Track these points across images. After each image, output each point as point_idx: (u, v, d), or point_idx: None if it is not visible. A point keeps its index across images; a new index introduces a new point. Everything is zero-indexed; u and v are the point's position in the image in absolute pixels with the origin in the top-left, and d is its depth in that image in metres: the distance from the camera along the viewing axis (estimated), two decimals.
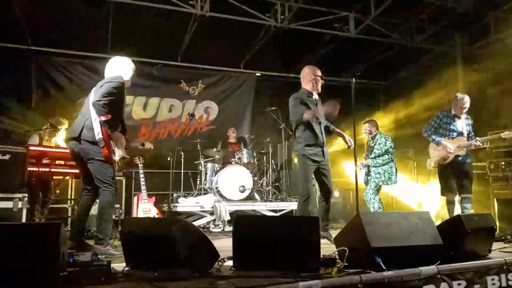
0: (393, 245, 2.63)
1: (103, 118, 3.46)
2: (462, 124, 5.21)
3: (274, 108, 6.58)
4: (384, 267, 2.45)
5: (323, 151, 4.27)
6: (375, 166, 5.86)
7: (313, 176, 4.35)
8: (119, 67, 3.79)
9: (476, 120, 7.24)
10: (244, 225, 2.71)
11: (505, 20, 6.83)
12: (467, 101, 5.12)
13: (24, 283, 1.96)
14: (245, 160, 6.77)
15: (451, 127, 5.18)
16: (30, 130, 5.91)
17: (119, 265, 2.63)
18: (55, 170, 5.24)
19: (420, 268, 2.44)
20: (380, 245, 2.58)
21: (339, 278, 2.28)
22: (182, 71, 8.45)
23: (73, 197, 6.40)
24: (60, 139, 5.74)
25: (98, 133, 3.51)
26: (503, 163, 6.21)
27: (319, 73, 4.42)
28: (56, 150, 5.29)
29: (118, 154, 3.71)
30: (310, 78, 4.39)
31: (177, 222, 2.46)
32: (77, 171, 5.32)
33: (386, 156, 5.83)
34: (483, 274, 2.60)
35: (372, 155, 5.91)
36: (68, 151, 5.09)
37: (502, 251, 3.33)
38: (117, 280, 2.34)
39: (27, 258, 1.98)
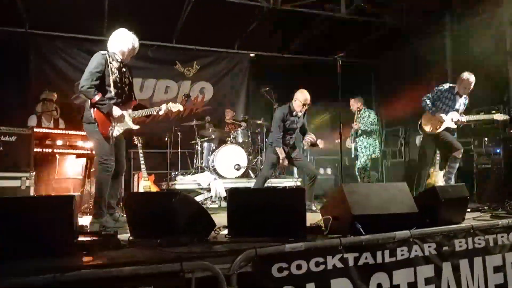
0: (373, 213, 2.91)
1: (95, 100, 3.64)
2: (461, 102, 5.51)
3: (267, 88, 6.78)
4: (363, 233, 2.73)
5: (288, 149, 5.17)
6: (361, 141, 6.18)
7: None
8: (109, 41, 3.90)
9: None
10: (237, 197, 2.98)
11: (492, 1, 6.99)
12: (472, 81, 5.34)
13: (43, 249, 2.22)
14: (240, 140, 7.02)
15: (450, 102, 5.46)
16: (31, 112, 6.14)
17: (124, 236, 2.91)
18: (58, 150, 5.47)
19: (394, 232, 2.72)
20: (360, 213, 2.85)
21: (321, 241, 2.56)
22: (177, 53, 8.60)
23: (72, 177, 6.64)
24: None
25: (91, 115, 3.72)
26: (486, 139, 6.49)
27: (308, 101, 5.12)
28: (56, 131, 5.51)
29: (117, 130, 3.82)
30: (299, 104, 5.09)
31: (177, 195, 2.72)
32: (78, 151, 5.60)
33: (372, 128, 6.14)
34: (451, 238, 2.89)
35: (359, 131, 6.23)
36: (66, 132, 5.45)
37: (476, 219, 3.62)
38: (124, 247, 2.62)
39: (46, 227, 2.24)
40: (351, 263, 2.55)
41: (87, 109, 3.78)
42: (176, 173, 7.01)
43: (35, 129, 5.05)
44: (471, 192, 5.51)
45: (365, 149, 6.17)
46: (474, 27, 7.43)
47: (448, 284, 2.82)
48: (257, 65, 9.21)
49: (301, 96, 5.10)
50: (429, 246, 2.80)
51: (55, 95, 6.09)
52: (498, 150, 6.30)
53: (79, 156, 5.70)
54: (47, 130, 5.32)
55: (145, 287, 1.92)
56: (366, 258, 2.59)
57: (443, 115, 5.37)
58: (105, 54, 3.77)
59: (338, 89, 4.58)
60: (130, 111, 3.98)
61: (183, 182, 6.42)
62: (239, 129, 7.19)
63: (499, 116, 5.29)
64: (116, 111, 3.77)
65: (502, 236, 3.07)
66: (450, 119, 5.38)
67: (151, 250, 2.45)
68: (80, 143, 5.58)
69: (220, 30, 8.07)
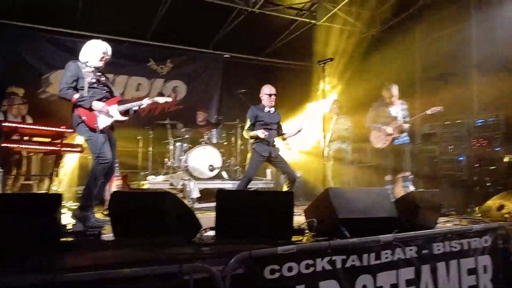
0: (357, 217, 3.00)
1: (74, 99, 3.75)
2: (396, 109, 5.70)
3: (244, 90, 6.79)
4: (348, 235, 2.81)
5: (270, 149, 5.12)
6: (335, 145, 6.33)
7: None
8: (81, 52, 4.03)
9: (429, 106, 7.82)
10: (226, 198, 2.97)
11: (459, 15, 7.36)
12: (394, 90, 5.65)
13: (29, 248, 2.13)
14: (214, 140, 6.98)
15: (385, 113, 5.69)
16: None
17: (107, 236, 2.84)
18: (25, 146, 5.23)
19: (379, 236, 2.80)
20: (345, 216, 2.93)
21: (311, 243, 2.62)
22: (151, 50, 8.44)
23: (37, 174, 6.38)
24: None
25: (77, 114, 3.82)
26: (450, 147, 6.81)
27: (273, 91, 5.23)
28: (26, 126, 5.27)
29: (105, 121, 3.87)
30: (265, 97, 5.24)
31: (165, 195, 2.69)
32: (46, 147, 5.38)
33: (344, 136, 6.31)
34: (430, 241, 3.02)
35: (332, 137, 6.37)
36: (36, 127, 5.24)
37: (446, 224, 3.82)
38: (110, 247, 2.55)
39: (32, 226, 2.15)
40: (339, 265, 2.60)
41: (73, 114, 3.85)
42: (147, 172, 6.88)
43: (4, 124, 4.80)
44: None
45: (338, 153, 6.31)
46: (443, 40, 7.79)
47: (427, 286, 2.94)
48: (232, 66, 9.20)
49: (265, 89, 5.27)
50: (410, 249, 2.90)
51: (22, 90, 5.81)
52: (461, 158, 6.63)
53: (48, 153, 5.48)
54: (14, 125, 5.06)
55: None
56: (353, 260, 2.65)
57: (387, 129, 5.58)
58: (76, 61, 3.94)
59: (324, 92, 4.75)
60: (115, 105, 4.04)
61: (155, 182, 6.31)
62: (213, 130, 7.15)
63: (432, 110, 5.52)
64: (97, 104, 3.85)
65: (475, 240, 3.24)
66: (392, 130, 5.57)
67: (140, 251, 2.40)
68: (48, 139, 5.36)
69: (196, 30, 8.01)
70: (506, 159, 5.93)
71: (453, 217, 4.45)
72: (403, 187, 5.51)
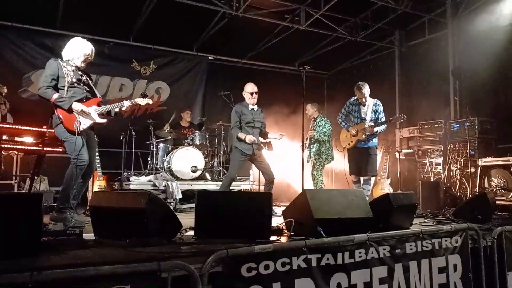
0: (332, 217, 3.09)
1: (53, 99, 3.75)
2: (366, 110, 5.61)
3: (227, 92, 6.85)
4: (324, 235, 2.90)
5: (253, 148, 5.16)
6: (315, 148, 6.43)
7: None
8: (64, 50, 4.03)
9: (408, 110, 8.02)
10: (205, 199, 3.03)
11: (437, 23, 7.59)
12: (365, 90, 5.51)
13: (9, 249, 2.15)
14: (197, 142, 7.03)
15: (357, 114, 5.67)
16: None
17: (87, 235, 2.87)
18: (5, 145, 5.18)
19: (353, 235, 2.90)
20: (321, 217, 3.02)
21: (287, 242, 2.70)
22: (134, 51, 8.46)
23: (18, 173, 6.34)
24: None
25: (57, 115, 3.83)
26: (429, 150, 7.01)
27: (255, 89, 5.31)
28: (6, 125, 5.20)
29: (84, 123, 3.88)
30: (247, 95, 5.31)
31: (146, 196, 2.74)
32: (25, 147, 5.33)
33: (325, 138, 6.41)
34: (403, 241, 3.14)
35: (313, 139, 6.48)
36: (16, 126, 5.20)
37: (421, 225, 3.94)
38: (91, 247, 2.59)
39: (12, 225, 2.18)
40: (314, 263, 2.69)
41: (53, 115, 3.86)
42: (129, 173, 6.88)
43: None
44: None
45: (318, 156, 6.41)
46: (422, 47, 8.01)
47: (399, 284, 3.05)
48: (215, 68, 9.27)
49: (247, 87, 5.35)
50: (384, 249, 3.01)
51: (5, 89, 5.76)
52: (439, 161, 6.83)
53: (28, 152, 5.44)
54: None
55: (122, 286, 1.93)
56: (328, 259, 2.74)
57: (352, 131, 5.58)
58: (57, 60, 3.92)
59: (302, 97, 4.85)
60: (95, 106, 4.01)
61: (137, 182, 6.32)
62: (196, 131, 7.20)
63: (394, 119, 5.62)
64: (76, 106, 3.83)
65: (446, 240, 3.37)
66: (356, 132, 5.55)
67: (121, 250, 2.45)
68: (29, 139, 5.33)
69: (179, 31, 8.05)
70: (480, 163, 6.13)
71: (428, 218, 4.59)
72: (364, 190, 5.48)
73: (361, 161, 5.60)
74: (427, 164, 6.95)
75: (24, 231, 2.23)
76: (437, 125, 6.99)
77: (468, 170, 6.30)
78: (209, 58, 9.14)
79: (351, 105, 5.74)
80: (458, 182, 6.43)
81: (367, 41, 8.33)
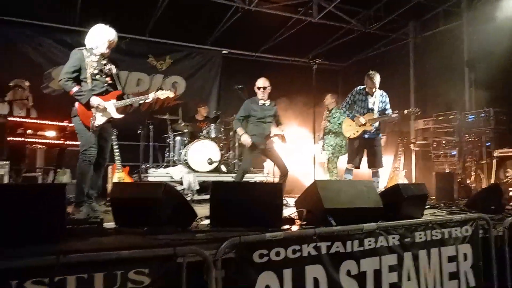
0: (342, 207, 3.18)
1: (72, 91, 3.82)
2: (374, 100, 5.49)
3: (241, 86, 6.95)
4: (334, 224, 2.99)
5: (265, 141, 5.25)
6: (329, 139, 6.48)
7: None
8: (86, 37, 4.04)
9: (422, 101, 7.99)
10: (220, 189, 3.15)
11: (452, 14, 7.51)
12: (376, 80, 5.40)
13: (37, 235, 2.31)
14: (212, 135, 7.16)
15: (363, 103, 5.52)
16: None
17: (107, 224, 3.02)
18: (29, 140, 5.42)
19: (363, 224, 2.99)
20: (332, 207, 3.11)
21: (298, 230, 2.80)
22: (150, 46, 8.62)
23: (41, 166, 6.58)
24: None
25: (75, 108, 3.92)
26: (443, 142, 6.99)
27: (266, 84, 5.32)
28: (30, 120, 5.45)
29: (99, 119, 3.93)
30: (257, 90, 5.35)
31: (162, 186, 2.87)
32: (47, 141, 5.55)
33: (339, 130, 6.46)
34: (412, 230, 3.20)
35: (327, 130, 6.53)
36: (40, 121, 5.41)
37: (433, 215, 3.99)
38: (111, 234, 2.74)
39: (39, 214, 2.33)
40: (323, 251, 2.78)
41: (73, 106, 3.94)
42: (147, 165, 7.07)
43: (10, 118, 4.99)
44: (430, 190, 5.90)
45: (332, 148, 6.48)
46: (436, 37, 7.94)
47: (409, 272, 3.12)
48: (229, 62, 9.37)
49: (258, 82, 5.38)
50: (393, 238, 3.08)
51: (28, 83, 5.98)
52: (453, 153, 6.82)
53: (51, 146, 5.67)
54: (20, 119, 5.25)
55: (141, 269, 2.07)
56: (337, 247, 2.83)
57: (360, 119, 5.42)
58: (81, 49, 3.95)
59: (313, 91, 4.89)
60: (114, 100, 4.03)
61: (155, 174, 6.50)
62: (212, 124, 7.33)
63: (409, 112, 5.37)
64: (94, 100, 3.88)
65: (456, 230, 3.41)
66: (365, 123, 5.40)
67: (139, 237, 2.59)
68: (52, 133, 5.55)
69: (194, 26, 8.18)
70: (496, 154, 6.10)
71: (441, 209, 4.63)
72: (374, 183, 5.40)
73: (368, 153, 5.50)
74: (442, 155, 6.94)
75: (50, 219, 2.38)
76: (451, 116, 6.96)
77: (483, 161, 6.28)
78: (223, 52, 9.23)
79: (357, 94, 5.58)
80: (473, 173, 6.42)
81: (380, 32, 8.29)
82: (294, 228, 3.08)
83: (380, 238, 3.04)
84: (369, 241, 2.98)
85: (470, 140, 6.56)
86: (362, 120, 5.42)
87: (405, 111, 5.38)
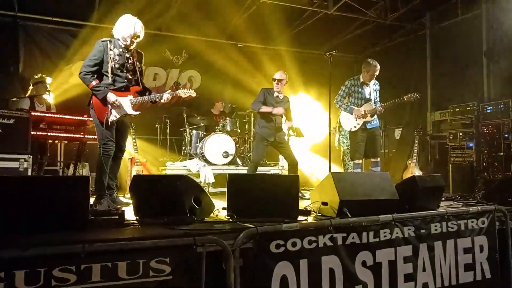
0: (358, 199, 3.21)
1: (91, 85, 3.88)
2: (370, 90, 5.35)
3: (256, 79, 7.00)
4: (350, 216, 3.03)
5: (275, 135, 5.34)
6: (345, 131, 6.49)
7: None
8: (114, 28, 4.05)
9: (439, 92, 7.90)
10: (236, 182, 3.21)
11: (470, 3, 7.38)
12: (378, 68, 5.21)
13: (63, 224, 2.42)
14: (228, 128, 7.24)
15: (360, 95, 5.33)
16: (21, 95, 6.18)
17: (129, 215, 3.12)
18: (51, 134, 5.57)
19: (378, 216, 3.02)
20: (347, 198, 3.15)
21: (314, 222, 2.85)
22: (166, 41, 8.68)
23: (62, 160, 6.76)
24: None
25: (92, 101, 3.99)
26: (460, 133, 6.92)
27: (282, 77, 5.45)
28: (52, 115, 5.60)
29: (114, 114, 3.97)
30: (274, 82, 5.47)
31: (181, 178, 2.95)
32: (68, 135, 5.69)
33: None
34: (428, 222, 3.22)
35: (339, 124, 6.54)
36: (61, 116, 5.54)
37: (449, 207, 3.98)
38: (132, 224, 2.84)
39: (65, 204, 2.44)
40: (339, 242, 2.84)
41: (91, 99, 4.02)
42: (165, 159, 7.19)
43: (33, 113, 5.13)
44: (446, 183, 5.87)
45: (347, 140, 6.49)
46: (454, 28, 7.82)
47: (424, 263, 3.16)
48: (245, 55, 9.38)
49: (275, 74, 5.50)
50: (408, 229, 3.12)
51: (50, 79, 6.13)
52: (471, 145, 6.75)
53: (71, 140, 5.82)
54: (41, 114, 5.40)
55: (162, 258, 2.15)
56: (353, 238, 2.89)
57: (360, 110, 5.23)
58: (105, 41, 3.94)
59: (329, 85, 4.93)
60: (131, 97, 4.08)
61: (173, 167, 6.61)
62: (227, 118, 7.41)
63: (408, 97, 5.10)
64: (110, 97, 3.91)
65: (472, 222, 3.43)
66: (364, 113, 5.22)
67: (159, 228, 2.68)
68: (72, 128, 5.68)
69: (209, 20, 8.21)
70: None
71: (458, 201, 4.62)
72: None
73: (368, 143, 5.35)
74: (459, 147, 6.87)
75: (74, 209, 2.49)
76: (469, 108, 6.87)
77: (501, 153, 6.20)
78: (239, 45, 9.26)
79: (352, 86, 5.37)
80: (490, 166, 6.35)
81: (397, 23, 8.21)
82: (310, 219, 3.13)
83: (395, 229, 3.08)
84: (385, 232, 3.02)
85: (488, 132, 6.48)
86: (361, 111, 5.23)
87: (405, 97, 5.13)
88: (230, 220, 3.02)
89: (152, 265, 2.14)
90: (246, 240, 2.50)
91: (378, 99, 5.44)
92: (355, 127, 5.34)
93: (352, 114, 5.31)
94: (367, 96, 5.34)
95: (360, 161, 5.49)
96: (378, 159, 5.45)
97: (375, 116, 5.35)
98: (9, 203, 2.28)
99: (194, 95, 4.47)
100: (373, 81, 5.38)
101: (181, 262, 2.20)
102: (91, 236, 2.32)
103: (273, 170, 7.21)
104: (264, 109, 5.32)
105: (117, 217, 2.94)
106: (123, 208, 3.60)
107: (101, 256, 2.04)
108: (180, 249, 2.21)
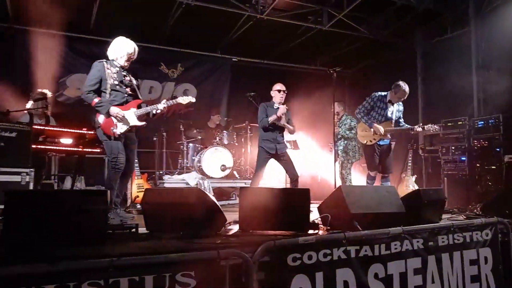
0: (367, 212, 3.27)
1: (94, 102, 3.99)
2: (393, 109, 5.52)
3: (253, 93, 7.07)
4: (360, 228, 3.08)
5: (276, 147, 5.35)
6: (341, 145, 6.59)
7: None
8: (108, 49, 4.21)
9: (429, 110, 8.09)
10: (247, 194, 3.25)
11: (459, 20, 7.63)
12: (407, 94, 5.41)
13: (82, 237, 2.41)
14: (225, 141, 7.28)
15: (383, 111, 5.49)
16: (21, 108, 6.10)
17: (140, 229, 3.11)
18: (50, 147, 5.51)
19: (389, 228, 3.08)
20: (357, 211, 3.20)
21: (328, 235, 2.90)
22: (162, 54, 8.74)
23: (56, 173, 6.67)
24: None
25: (97, 119, 4.08)
26: (452, 147, 7.09)
27: (283, 87, 5.50)
28: (51, 128, 5.55)
29: (120, 127, 4.06)
30: (275, 93, 5.50)
31: (194, 192, 2.97)
32: (68, 148, 5.65)
33: (350, 135, 6.57)
34: (435, 234, 3.30)
35: (338, 136, 6.64)
36: (60, 129, 5.51)
37: (450, 220, 4.08)
38: (147, 239, 2.84)
39: (84, 217, 2.43)
40: (353, 254, 2.89)
41: (96, 118, 4.10)
42: (162, 172, 7.17)
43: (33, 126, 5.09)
44: None
45: (345, 154, 6.58)
46: (444, 44, 8.06)
47: (433, 275, 3.22)
48: (240, 69, 9.49)
49: (276, 86, 5.53)
50: (417, 241, 3.19)
51: (50, 93, 6.07)
52: (463, 158, 6.91)
53: (70, 153, 5.76)
54: (42, 127, 5.35)
55: (187, 272, 2.16)
56: (365, 250, 2.94)
57: (380, 129, 5.38)
58: (102, 61, 4.11)
59: (333, 97, 5.06)
60: (134, 109, 4.17)
61: (171, 181, 6.59)
62: (224, 131, 7.44)
63: (429, 127, 5.31)
64: (113, 110, 4.01)
65: (477, 234, 3.52)
66: (384, 132, 5.39)
67: (175, 241, 2.68)
68: (70, 141, 5.63)
69: (205, 34, 8.30)
70: (506, 159, 6.19)
71: (456, 213, 4.72)
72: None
73: (382, 159, 5.57)
74: (451, 161, 7.03)
75: (94, 223, 2.49)
76: (460, 123, 7.06)
77: (493, 167, 6.37)
78: (233, 59, 9.36)
79: (378, 101, 5.53)
80: (482, 179, 6.51)
81: (388, 39, 8.42)
82: (320, 233, 3.17)
83: (405, 241, 3.14)
84: (395, 244, 3.08)
85: (480, 146, 6.66)
86: (380, 129, 5.39)
87: (425, 127, 5.35)
88: (243, 233, 3.03)
89: (178, 279, 2.15)
90: (264, 254, 2.53)
91: (402, 119, 5.59)
92: (371, 141, 5.53)
93: (371, 128, 5.45)
94: (389, 115, 5.50)
95: (374, 174, 5.62)
96: (388, 175, 5.61)
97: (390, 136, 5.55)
98: (33, 216, 2.27)
99: (193, 100, 4.65)
100: (398, 102, 5.55)
101: (206, 275, 2.21)
102: (113, 250, 2.32)
103: (270, 184, 7.23)
104: (272, 119, 5.34)
105: (133, 230, 2.94)
106: (127, 222, 3.62)
107: (128, 270, 2.04)
108: (205, 263, 2.22)
